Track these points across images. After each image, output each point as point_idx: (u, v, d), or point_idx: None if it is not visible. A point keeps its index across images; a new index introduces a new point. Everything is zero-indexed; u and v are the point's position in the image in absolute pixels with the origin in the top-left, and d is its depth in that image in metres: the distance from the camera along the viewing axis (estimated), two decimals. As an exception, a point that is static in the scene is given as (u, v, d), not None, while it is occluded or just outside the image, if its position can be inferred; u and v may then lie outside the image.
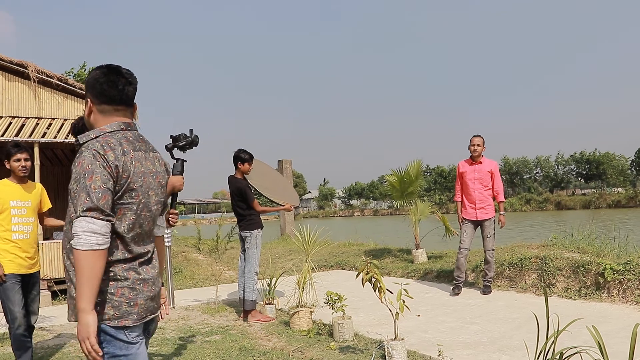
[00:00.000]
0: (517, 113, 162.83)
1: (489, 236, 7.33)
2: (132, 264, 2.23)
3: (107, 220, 2.07)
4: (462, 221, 7.51)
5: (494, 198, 7.49)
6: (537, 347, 3.39)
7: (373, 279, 4.62)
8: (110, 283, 2.15)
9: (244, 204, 6.61)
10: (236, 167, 6.70)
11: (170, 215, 3.62)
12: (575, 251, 7.91)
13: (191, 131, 3.82)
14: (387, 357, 4.49)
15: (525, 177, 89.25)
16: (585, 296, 6.65)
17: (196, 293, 8.89)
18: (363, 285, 4.70)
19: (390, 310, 4.58)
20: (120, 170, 2.14)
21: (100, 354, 2.05)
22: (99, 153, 2.11)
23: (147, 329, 2.40)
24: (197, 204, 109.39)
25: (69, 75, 20.09)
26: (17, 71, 9.20)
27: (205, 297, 8.21)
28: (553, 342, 3.34)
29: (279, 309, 6.86)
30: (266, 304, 6.73)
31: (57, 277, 9.19)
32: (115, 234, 2.16)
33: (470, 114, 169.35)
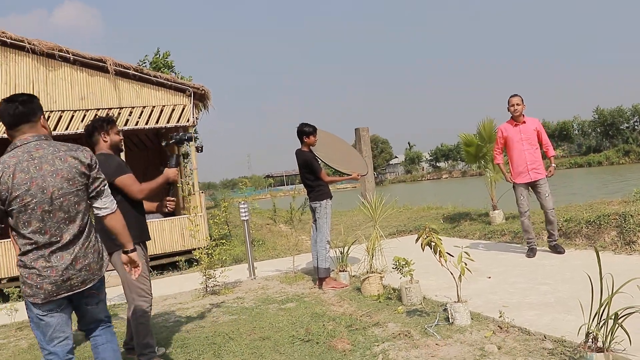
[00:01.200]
0: (606, 61, 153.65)
1: (547, 195, 7.15)
2: (42, 252, 2.88)
3: None
4: (514, 186, 7.39)
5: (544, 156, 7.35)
6: (591, 308, 3.40)
7: (432, 244, 4.68)
8: (23, 270, 2.90)
9: (312, 176, 6.80)
10: (302, 141, 6.89)
11: (167, 202, 4.37)
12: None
13: (183, 133, 4.75)
14: (450, 319, 4.59)
15: (622, 127, 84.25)
16: (670, 252, 6.41)
17: (277, 263, 9.24)
18: (423, 250, 4.79)
19: (452, 274, 4.65)
20: (2, 186, 2.81)
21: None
22: None
23: (80, 300, 3.07)
24: (286, 175, 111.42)
25: (144, 62, 20.90)
26: (97, 66, 9.84)
27: (286, 267, 8.53)
28: (607, 302, 3.34)
29: (353, 276, 7.05)
30: (340, 271, 6.94)
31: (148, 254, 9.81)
32: (16, 233, 2.89)
33: (557, 67, 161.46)
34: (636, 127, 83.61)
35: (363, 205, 7.16)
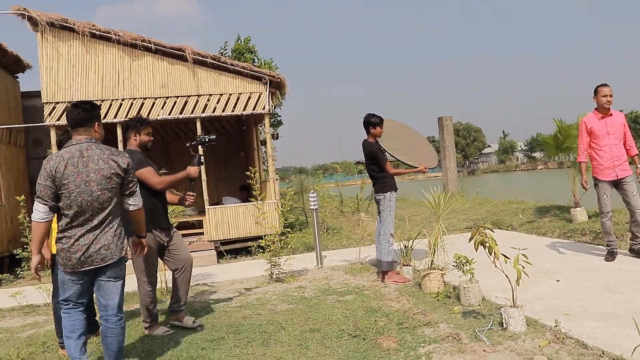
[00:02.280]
0: None
1: (634, 194, 6.63)
2: (74, 232, 3.62)
3: (44, 204, 3.52)
4: (597, 183, 6.88)
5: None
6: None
7: (486, 244, 4.49)
8: (59, 244, 3.66)
9: (377, 167, 6.72)
10: (368, 132, 6.80)
11: (187, 196, 5.27)
12: None
13: (204, 136, 5.51)
14: (504, 324, 4.41)
15: None
16: None
17: (348, 253, 9.20)
18: (476, 250, 4.62)
19: (507, 277, 4.45)
20: (54, 172, 3.53)
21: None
22: (43, 163, 3.60)
23: (100, 272, 3.74)
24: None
25: (225, 49, 21.25)
26: (177, 55, 10.18)
27: (356, 257, 8.50)
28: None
29: (417, 270, 6.92)
30: (403, 265, 6.83)
31: (222, 238, 10.09)
32: (60, 213, 3.62)
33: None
34: None
35: (427, 200, 6.95)
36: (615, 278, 5.88)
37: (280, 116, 25.76)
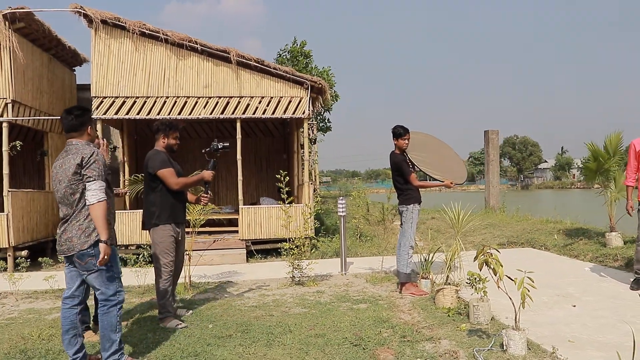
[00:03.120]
0: None
1: None
2: (60, 223, 4.11)
3: None
4: (639, 209, 6.70)
5: None
6: None
7: (491, 265, 4.49)
8: None
9: (402, 179, 6.75)
10: (394, 143, 6.86)
11: (202, 197, 5.72)
12: None
13: (218, 142, 5.93)
14: (504, 347, 4.40)
15: None
16: None
17: (375, 261, 9.21)
18: (480, 270, 4.62)
19: (511, 299, 4.44)
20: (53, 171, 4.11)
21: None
22: None
23: (72, 262, 4.13)
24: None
25: (284, 52, 21.51)
26: (222, 56, 10.46)
27: (382, 265, 8.53)
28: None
29: (436, 284, 6.93)
30: (422, 278, 6.85)
31: (254, 238, 10.30)
32: None
33: None
34: None
35: (446, 214, 6.94)
36: (634, 308, 5.75)
37: (330, 122, 25.96)
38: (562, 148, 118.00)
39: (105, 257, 3.95)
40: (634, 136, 6.89)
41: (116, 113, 10.08)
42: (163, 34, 10.18)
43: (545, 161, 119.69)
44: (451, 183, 6.96)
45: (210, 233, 10.98)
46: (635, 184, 6.85)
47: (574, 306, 5.89)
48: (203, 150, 6.04)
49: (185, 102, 10.33)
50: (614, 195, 9.35)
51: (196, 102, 10.36)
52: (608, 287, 6.85)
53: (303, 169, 11.06)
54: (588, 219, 12.56)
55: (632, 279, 6.82)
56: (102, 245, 3.93)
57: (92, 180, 3.94)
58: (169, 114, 9.98)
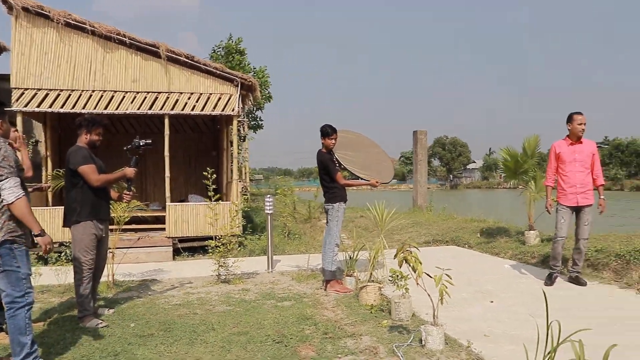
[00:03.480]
0: None
1: (586, 224, 6.83)
2: None
3: None
4: (558, 207, 7.07)
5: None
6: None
7: (410, 263, 4.60)
8: None
9: (328, 177, 6.81)
10: (322, 142, 6.92)
11: (124, 194, 5.63)
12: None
13: (139, 140, 5.77)
14: (423, 342, 4.53)
15: None
16: (698, 298, 5.98)
17: (302, 259, 9.26)
18: (400, 267, 4.74)
19: (429, 295, 4.57)
20: None
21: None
22: None
23: None
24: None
25: (219, 48, 21.30)
26: (151, 51, 10.26)
27: (309, 263, 8.59)
28: (550, 354, 3.20)
29: (360, 281, 7.04)
30: (347, 275, 6.96)
31: (181, 236, 10.17)
32: None
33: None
34: None
35: (370, 212, 7.07)
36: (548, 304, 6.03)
37: (262, 120, 25.91)
38: (489, 149, 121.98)
39: (48, 246, 3.99)
40: (559, 138, 7.25)
41: (38, 106, 9.71)
42: (90, 26, 9.88)
43: (474, 162, 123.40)
44: (377, 182, 7.07)
45: (136, 230, 10.75)
46: (554, 184, 7.21)
47: (492, 302, 6.12)
48: (125, 148, 5.92)
49: (113, 97, 10.06)
50: (533, 195, 9.75)
51: (124, 97, 10.11)
52: (524, 283, 7.15)
53: (232, 166, 10.99)
54: (510, 218, 13.06)
55: (546, 275, 7.17)
56: (40, 239, 3.94)
57: (5, 179, 3.76)
58: (94, 108, 9.69)
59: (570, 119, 6.96)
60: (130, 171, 5.60)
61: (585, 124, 6.90)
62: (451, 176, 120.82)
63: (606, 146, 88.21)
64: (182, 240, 10.18)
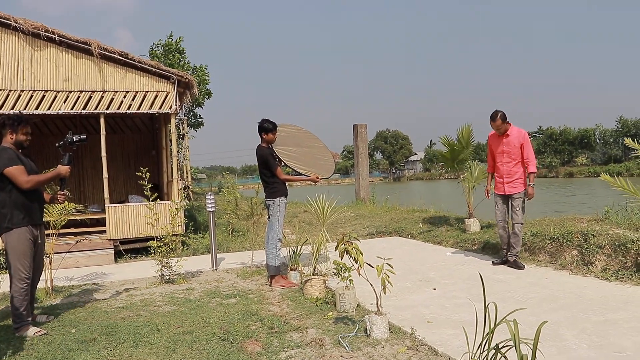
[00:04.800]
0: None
1: (517, 209, 7.15)
2: None
3: None
4: (494, 195, 7.45)
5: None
6: (480, 340, 3.37)
7: (352, 254, 4.66)
8: None
9: (268, 172, 6.79)
10: (261, 137, 6.90)
11: (58, 195, 5.34)
12: (625, 227, 7.44)
13: (73, 135, 5.46)
14: (368, 331, 4.59)
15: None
16: (623, 278, 6.23)
17: (247, 256, 9.23)
18: (341, 258, 4.79)
19: (372, 285, 4.63)
20: None
21: None
22: None
23: None
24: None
25: (157, 46, 20.95)
26: (83, 48, 9.90)
27: (254, 260, 8.55)
28: (488, 335, 3.29)
29: (305, 275, 7.07)
30: (291, 270, 6.97)
31: (123, 237, 9.94)
32: None
33: (581, 71, 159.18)
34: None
35: (311, 206, 7.11)
36: (486, 288, 6.20)
37: (202, 117, 25.63)
38: (430, 141, 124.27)
39: None
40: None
41: (-40, 107, 9.25)
42: (14, 22, 9.44)
43: (416, 154, 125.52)
44: (317, 177, 7.11)
45: (76, 234, 10.43)
46: (493, 171, 7.56)
47: (435, 289, 6.26)
48: (57, 144, 5.54)
49: (44, 96, 9.66)
50: (471, 184, 10.01)
51: (55, 97, 9.74)
52: (465, 270, 7.34)
53: (172, 165, 10.81)
54: (451, 207, 13.36)
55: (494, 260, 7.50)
56: None
57: None
58: (24, 108, 9.32)
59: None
60: (64, 169, 5.29)
61: (498, 127, 7.26)
62: (394, 169, 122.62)
63: (540, 135, 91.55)
64: (124, 242, 9.96)
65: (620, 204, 8.81)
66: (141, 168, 7.16)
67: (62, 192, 5.43)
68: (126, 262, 9.55)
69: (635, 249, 6.39)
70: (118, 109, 9.96)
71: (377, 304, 4.62)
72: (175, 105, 10.23)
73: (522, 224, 7.20)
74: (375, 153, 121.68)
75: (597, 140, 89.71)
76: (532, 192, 7.21)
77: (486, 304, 3.46)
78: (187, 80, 10.38)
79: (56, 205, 6.15)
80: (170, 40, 22.36)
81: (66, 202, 5.89)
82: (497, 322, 3.31)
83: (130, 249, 10.08)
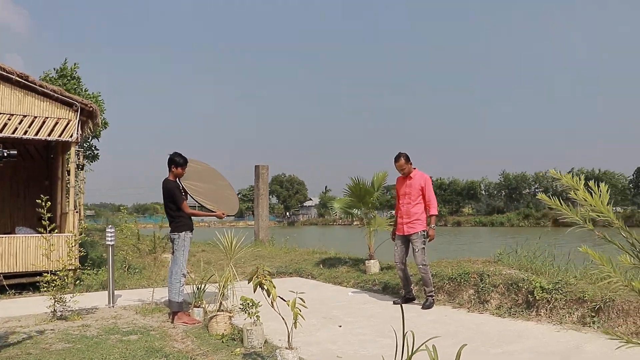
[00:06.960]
0: (518, 126, 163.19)
1: (417, 250, 7.40)
2: None
3: None
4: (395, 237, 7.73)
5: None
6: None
7: (264, 287, 4.64)
8: None
9: (174, 206, 6.68)
10: (170, 170, 6.78)
11: None
12: (516, 268, 7.92)
13: (3, 150, 5.02)
14: (278, 366, 4.54)
15: (524, 192, 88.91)
16: (515, 314, 6.61)
17: (145, 293, 8.88)
18: (254, 292, 4.75)
19: (284, 319, 4.62)
20: None
21: None
22: None
23: None
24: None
25: (50, 73, 20.18)
26: (-23, 69, 9.34)
27: (154, 297, 8.25)
28: None
29: (208, 312, 6.91)
30: (194, 306, 6.79)
31: (6, 271, 9.26)
32: None
33: (465, 125, 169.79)
34: (537, 193, 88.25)
35: (216, 246, 7.03)
36: (389, 325, 6.35)
37: (98, 149, 24.68)
38: (325, 187, 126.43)
39: None
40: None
41: None
42: None
43: (310, 199, 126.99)
44: (223, 214, 7.09)
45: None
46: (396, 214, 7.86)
47: (340, 326, 6.32)
48: None
49: None
50: (373, 228, 10.27)
51: (-59, 117, 9.08)
52: (367, 308, 7.48)
53: (68, 196, 10.30)
54: (349, 249, 13.58)
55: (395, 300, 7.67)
56: None
57: None
58: None
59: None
60: None
61: (402, 167, 7.61)
62: (288, 213, 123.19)
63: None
64: (8, 276, 9.27)
65: (512, 247, 9.35)
66: (41, 196, 6.76)
67: None
68: (9, 299, 8.88)
69: (525, 287, 6.81)
70: (13, 133, 9.40)
71: (288, 338, 4.60)
72: (77, 134, 9.81)
73: (424, 264, 7.44)
74: (270, 197, 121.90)
75: (483, 192, 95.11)
76: (432, 234, 7.51)
77: (399, 337, 3.55)
78: (91, 108, 10.01)
79: None
80: (65, 66, 21.59)
81: None
82: (414, 350, 3.41)
83: (16, 284, 9.40)
